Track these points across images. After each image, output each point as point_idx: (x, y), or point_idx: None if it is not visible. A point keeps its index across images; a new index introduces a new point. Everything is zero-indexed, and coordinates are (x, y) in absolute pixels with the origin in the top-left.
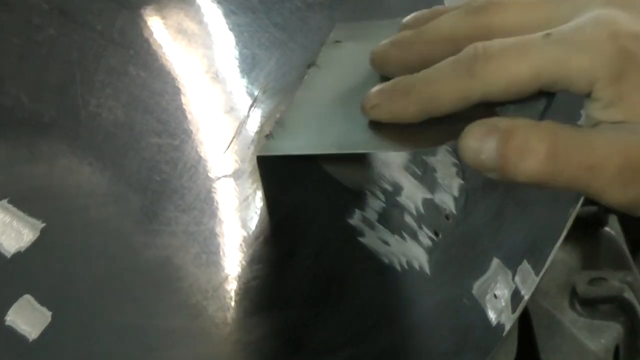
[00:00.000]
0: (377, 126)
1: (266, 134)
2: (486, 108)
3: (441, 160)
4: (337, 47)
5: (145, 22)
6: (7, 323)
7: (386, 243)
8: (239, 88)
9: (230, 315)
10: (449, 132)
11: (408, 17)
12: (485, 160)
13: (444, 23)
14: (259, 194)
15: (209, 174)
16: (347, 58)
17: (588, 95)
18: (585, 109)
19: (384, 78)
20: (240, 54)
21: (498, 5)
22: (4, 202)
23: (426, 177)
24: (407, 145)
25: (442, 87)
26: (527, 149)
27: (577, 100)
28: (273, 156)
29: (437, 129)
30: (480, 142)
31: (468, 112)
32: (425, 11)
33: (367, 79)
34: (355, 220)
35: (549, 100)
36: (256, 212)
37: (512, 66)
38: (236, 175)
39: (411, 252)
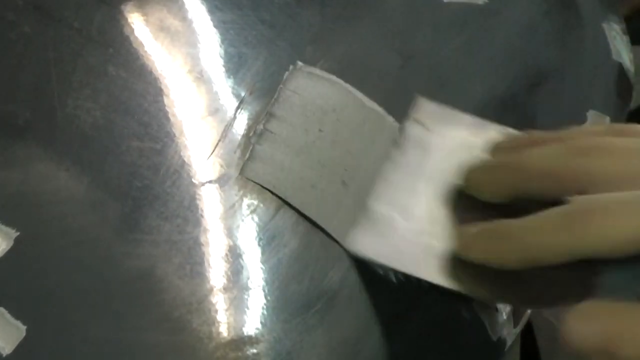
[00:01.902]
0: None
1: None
2: (587, 267)
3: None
4: (421, 131)
5: (126, 19)
6: None
7: None
8: (225, 89)
9: (215, 329)
10: (543, 294)
11: (503, 140)
12: (587, 345)
13: (544, 159)
14: (246, 201)
15: (193, 180)
16: (433, 151)
17: None
18: None
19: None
20: (226, 52)
21: (602, 150)
22: None
23: None
24: (496, 296)
25: (546, 239)
26: (634, 335)
27: (581, 102)
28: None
29: (529, 285)
30: (584, 326)
31: (566, 272)
32: (520, 137)
33: (453, 193)
34: None
35: None
36: (242, 220)
37: (623, 225)
38: (222, 181)
39: None
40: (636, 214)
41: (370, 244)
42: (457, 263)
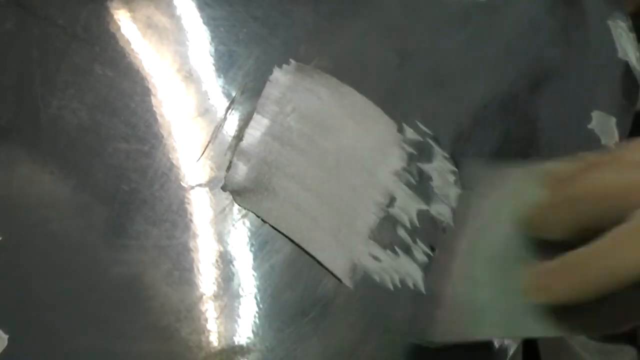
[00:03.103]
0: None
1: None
2: None
3: (437, 167)
4: (473, 196)
5: (112, 16)
6: None
7: (377, 259)
8: (215, 88)
9: (204, 338)
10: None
11: (557, 171)
12: None
13: (602, 181)
14: (237, 205)
15: (182, 183)
16: (489, 213)
17: None
18: None
19: (530, 240)
20: (216, 50)
21: None
22: None
23: (421, 186)
24: (590, 328)
25: (622, 256)
26: None
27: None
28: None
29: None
30: None
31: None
32: (574, 163)
33: (516, 245)
34: None
35: None
36: (233, 225)
37: None
38: (212, 184)
39: (404, 268)
40: None
41: (450, 330)
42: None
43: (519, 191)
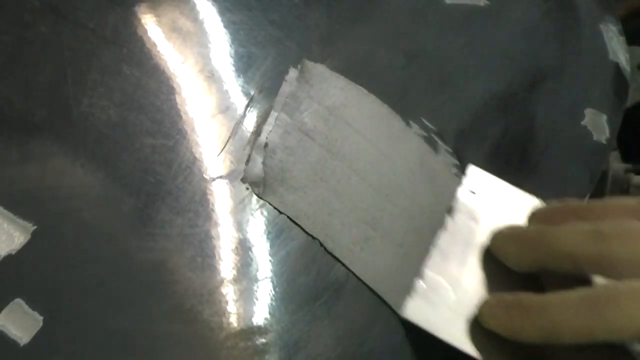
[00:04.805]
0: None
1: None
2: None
3: (442, 161)
4: (473, 198)
5: (139, 20)
6: None
7: None
8: (235, 87)
9: (225, 320)
10: None
11: (538, 210)
12: None
13: (570, 240)
14: (255, 196)
15: (204, 175)
16: (482, 220)
17: None
18: None
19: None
20: (236, 52)
21: (627, 236)
22: None
23: None
24: None
25: (566, 319)
26: None
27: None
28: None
29: None
30: None
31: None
32: (557, 207)
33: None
34: None
35: None
36: (252, 214)
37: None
38: (232, 176)
39: None
40: None
41: (421, 312)
42: (489, 335)
43: (509, 217)
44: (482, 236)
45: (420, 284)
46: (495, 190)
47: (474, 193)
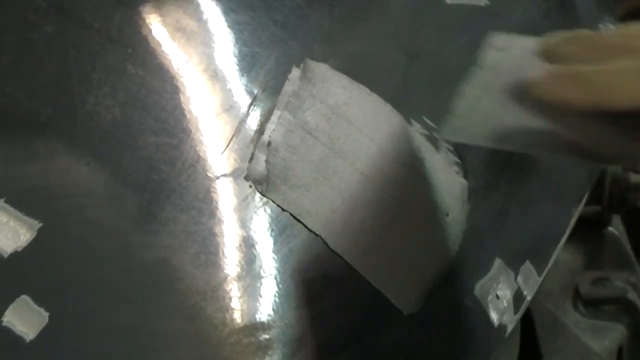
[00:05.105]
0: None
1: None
2: None
3: (443, 158)
4: (497, 52)
5: (144, 20)
6: (4, 324)
7: None
8: (239, 86)
9: (229, 316)
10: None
11: (559, 45)
12: None
13: (625, 32)
14: (258, 194)
15: (207, 173)
16: (509, 63)
17: None
18: None
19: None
20: (240, 51)
21: None
22: (1, 201)
23: None
24: (573, 152)
25: (622, 84)
26: None
27: None
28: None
29: (614, 144)
30: None
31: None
32: (572, 42)
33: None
34: None
35: None
36: (255, 212)
37: None
38: (235, 174)
39: None
40: None
41: (456, 130)
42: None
43: (520, 61)
44: (507, 78)
45: (453, 109)
46: (521, 41)
47: (496, 48)
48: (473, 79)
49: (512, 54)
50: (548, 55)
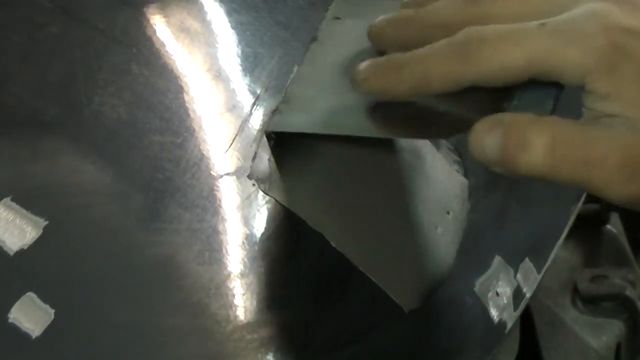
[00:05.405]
0: (379, 109)
1: (273, 110)
2: (493, 103)
3: (443, 157)
4: (337, 23)
5: (148, 20)
6: (10, 321)
7: None
8: (242, 86)
9: (232, 313)
10: (452, 126)
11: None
12: (489, 154)
13: (443, 9)
14: (261, 192)
15: (211, 172)
16: (347, 34)
17: (582, 87)
18: (582, 100)
19: (381, 54)
20: (243, 52)
21: None
22: (7, 200)
23: None
24: (410, 132)
25: (434, 66)
26: (527, 142)
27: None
28: (280, 132)
29: (442, 121)
30: (486, 136)
31: (473, 105)
32: None
33: (366, 56)
34: None
35: (557, 96)
36: (258, 210)
37: (505, 52)
38: (238, 173)
39: None
40: (520, 42)
41: (292, 121)
42: (376, 109)
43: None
44: (351, 48)
45: (284, 101)
46: (360, 7)
47: (338, 18)
48: (308, 55)
49: (351, 25)
50: (374, 38)
